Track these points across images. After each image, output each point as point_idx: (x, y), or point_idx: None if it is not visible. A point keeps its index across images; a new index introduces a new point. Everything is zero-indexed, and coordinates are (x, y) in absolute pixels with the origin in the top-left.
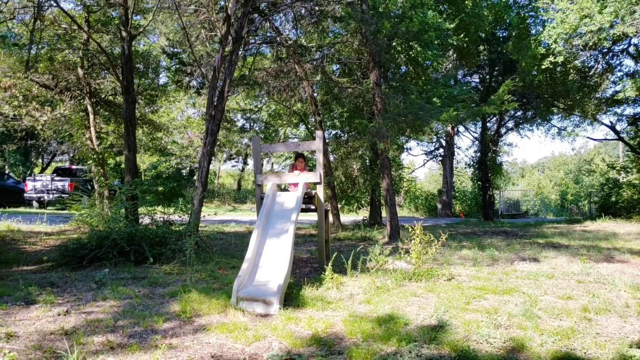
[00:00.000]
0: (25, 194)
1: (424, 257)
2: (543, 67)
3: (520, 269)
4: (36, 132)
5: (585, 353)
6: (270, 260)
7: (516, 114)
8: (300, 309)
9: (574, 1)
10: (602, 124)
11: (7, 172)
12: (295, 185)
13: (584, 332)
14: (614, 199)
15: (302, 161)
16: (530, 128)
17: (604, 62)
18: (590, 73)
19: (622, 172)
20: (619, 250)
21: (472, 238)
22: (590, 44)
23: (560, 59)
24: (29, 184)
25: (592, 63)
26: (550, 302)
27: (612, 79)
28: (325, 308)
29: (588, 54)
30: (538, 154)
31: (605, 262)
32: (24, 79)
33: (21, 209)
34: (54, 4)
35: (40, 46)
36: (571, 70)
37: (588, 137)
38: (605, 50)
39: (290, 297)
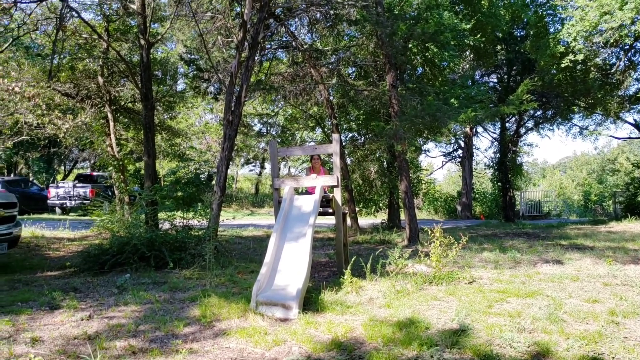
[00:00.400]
0: (48, 201)
1: (444, 260)
2: (563, 65)
3: (543, 271)
4: (58, 139)
5: (613, 358)
6: (289, 264)
7: (536, 114)
8: (319, 313)
9: None
10: (626, 122)
11: (31, 179)
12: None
13: (612, 337)
14: None
15: (317, 159)
16: (551, 128)
17: (626, 60)
18: (612, 71)
19: None
20: None
21: (493, 240)
22: (612, 41)
23: (580, 57)
24: (52, 191)
25: (614, 60)
26: (576, 305)
27: (635, 76)
28: (345, 312)
29: (609, 51)
30: (559, 154)
31: (632, 264)
32: (46, 89)
33: (45, 216)
34: (76, 15)
35: (62, 56)
36: (592, 68)
37: (611, 136)
38: (627, 47)
39: (310, 302)
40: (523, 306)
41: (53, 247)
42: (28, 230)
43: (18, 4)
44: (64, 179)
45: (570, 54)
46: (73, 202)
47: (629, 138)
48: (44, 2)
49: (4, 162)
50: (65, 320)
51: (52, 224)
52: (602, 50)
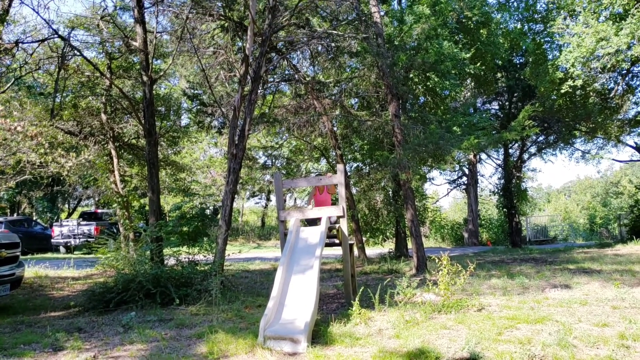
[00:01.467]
0: (52, 240)
1: (452, 288)
2: (562, 91)
3: (552, 296)
4: (62, 178)
5: None
6: (296, 298)
7: (538, 139)
8: (328, 346)
9: (589, 25)
10: (627, 145)
11: (35, 218)
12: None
13: None
14: None
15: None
16: (554, 152)
17: (624, 84)
18: (611, 95)
19: None
20: None
21: (500, 266)
22: (609, 66)
23: (579, 82)
24: (56, 230)
25: (612, 85)
26: (585, 330)
27: (633, 100)
28: (354, 344)
29: (607, 76)
30: (563, 178)
31: None
32: (49, 127)
33: (48, 255)
34: (78, 54)
35: (64, 94)
36: (591, 93)
37: (613, 159)
38: (625, 71)
39: (318, 334)
40: (533, 332)
41: (57, 287)
42: (31, 271)
43: (20, 44)
44: (68, 217)
45: (569, 80)
46: (77, 241)
47: (631, 161)
48: (45, 42)
49: (7, 202)
50: None
51: (56, 263)
52: (600, 75)
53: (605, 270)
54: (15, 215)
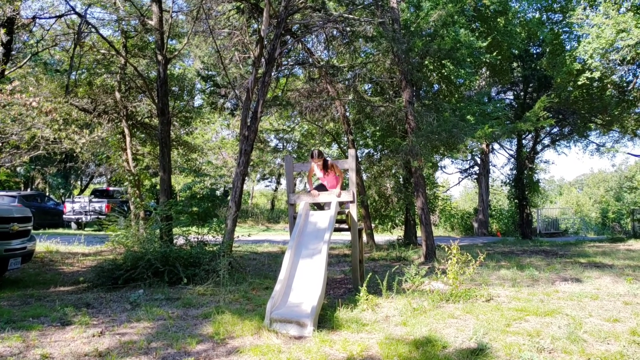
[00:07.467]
0: (64, 216)
1: (461, 277)
2: (579, 82)
3: (562, 289)
4: (75, 154)
5: None
6: (304, 281)
7: (552, 131)
8: (334, 331)
9: (610, 16)
10: None
11: (47, 194)
12: (324, 175)
13: (634, 357)
14: None
15: (318, 160)
16: (568, 144)
17: None
18: (629, 88)
19: None
20: None
21: (510, 257)
22: (628, 58)
23: (596, 74)
24: (68, 206)
25: (631, 77)
26: (596, 324)
27: None
28: (360, 330)
29: (626, 68)
30: (576, 171)
31: None
32: (64, 104)
33: (60, 230)
34: (94, 31)
35: (80, 71)
36: (608, 85)
37: (629, 153)
38: None
39: (324, 319)
40: (542, 325)
41: (67, 262)
42: (43, 245)
43: (37, 20)
44: (80, 193)
45: (587, 71)
46: (89, 217)
47: None
48: (62, 19)
49: (21, 177)
50: (76, 337)
51: (67, 239)
52: (618, 67)
53: (617, 265)
54: (28, 190)
